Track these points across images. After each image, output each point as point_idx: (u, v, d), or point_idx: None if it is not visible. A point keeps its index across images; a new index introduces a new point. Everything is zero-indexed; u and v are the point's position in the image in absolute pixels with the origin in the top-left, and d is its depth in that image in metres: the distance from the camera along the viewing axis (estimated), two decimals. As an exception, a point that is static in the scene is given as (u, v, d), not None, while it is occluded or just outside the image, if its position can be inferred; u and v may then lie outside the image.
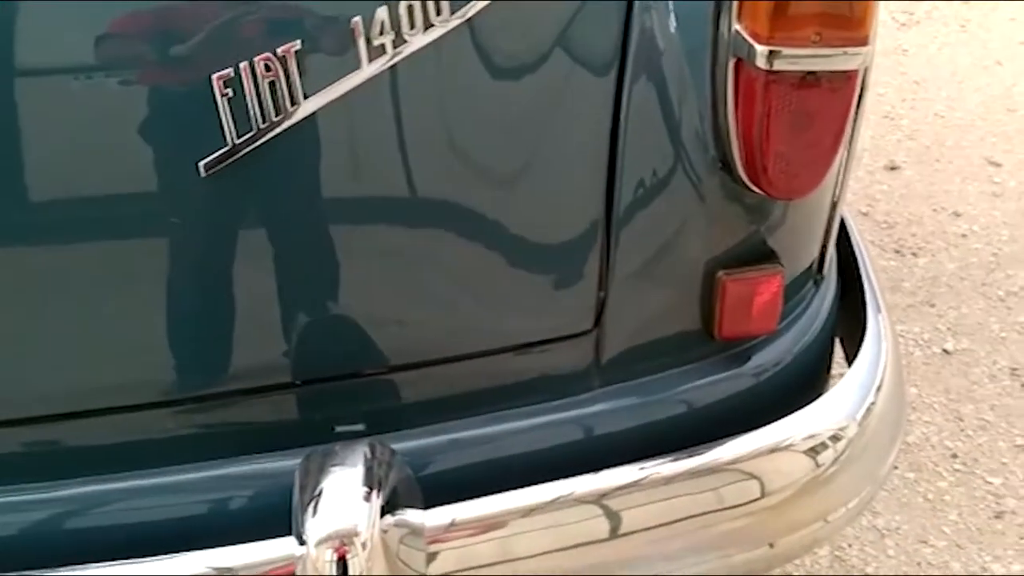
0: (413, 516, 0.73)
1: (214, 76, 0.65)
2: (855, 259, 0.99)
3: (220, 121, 0.66)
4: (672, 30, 0.71)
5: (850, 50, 0.67)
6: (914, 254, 2.03)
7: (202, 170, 0.67)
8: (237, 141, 0.67)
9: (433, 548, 0.74)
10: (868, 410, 0.88)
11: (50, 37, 0.64)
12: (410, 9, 0.67)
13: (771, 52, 0.66)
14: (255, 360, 0.73)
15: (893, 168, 2.29)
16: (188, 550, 0.71)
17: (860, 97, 0.81)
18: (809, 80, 0.67)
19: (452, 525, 0.75)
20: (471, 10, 0.68)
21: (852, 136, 0.82)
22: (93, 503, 0.75)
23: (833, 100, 0.69)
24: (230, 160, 0.67)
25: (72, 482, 0.75)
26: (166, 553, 0.72)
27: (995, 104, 2.49)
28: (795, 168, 0.71)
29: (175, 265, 0.70)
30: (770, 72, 0.67)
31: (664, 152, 0.74)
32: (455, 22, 0.68)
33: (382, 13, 0.67)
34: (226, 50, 0.64)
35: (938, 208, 2.14)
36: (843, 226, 1.05)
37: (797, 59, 0.66)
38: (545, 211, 0.75)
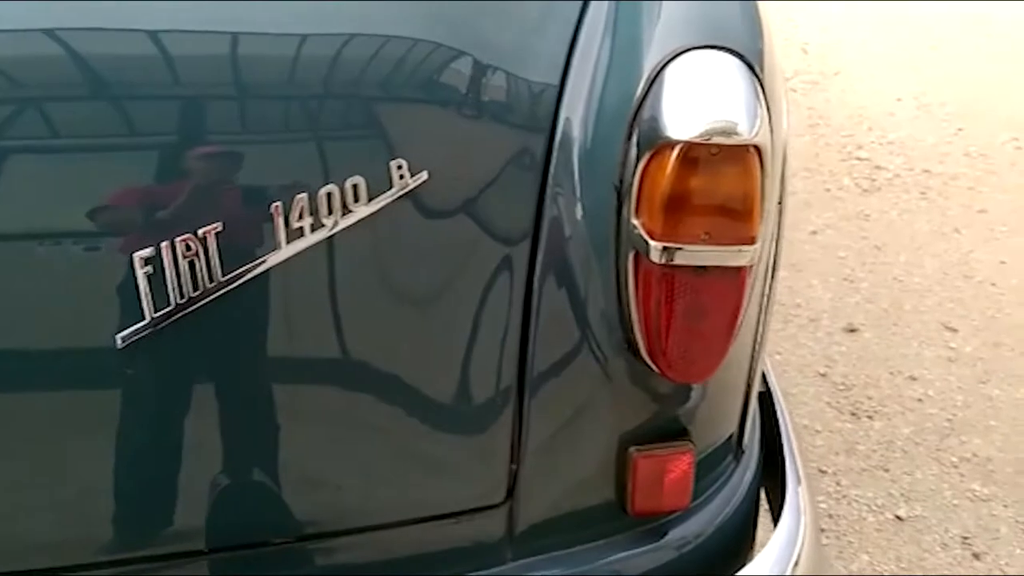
0: None
1: (135, 254, 0.68)
2: (779, 433, 1.02)
3: (139, 296, 0.68)
4: (579, 218, 0.75)
5: (738, 248, 0.71)
6: (870, 417, 2.05)
7: (119, 342, 0.70)
8: (155, 315, 0.70)
9: None
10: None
11: None
12: (329, 196, 0.71)
13: (664, 248, 0.70)
14: (164, 527, 0.74)
15: (852, 330, 2.34)
16: None
17: (768, 283, 0.85)
18: (700, 274, 0.71)
19: None
20: (389, 198, 0.72)
21: (760, 320, 0.86)
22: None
23: (724, 293, 0.72)
24: (147, 333, 0.70)
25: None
26: None
27: (952, 270, 2.55)
28: (692, 354, 0.74)
29: (89, 430, 0.72)
30: (663, 266, 0.70)
31: (573, 333, 0.77)
32: (372, 208, 0.72)
33: (302, 199, 0.71)
34: (148, 229, 0.68)
35: (895, 371, 2.18)
36: (770, 396, 1.07)
37: (688, 255, 0.70)
38: (459, 387, 0.78)
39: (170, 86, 0.69)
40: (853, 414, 2.06)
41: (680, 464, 0.82)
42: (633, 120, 0.72)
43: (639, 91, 0.72)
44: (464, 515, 0.80)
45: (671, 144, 0.70)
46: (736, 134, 0.69)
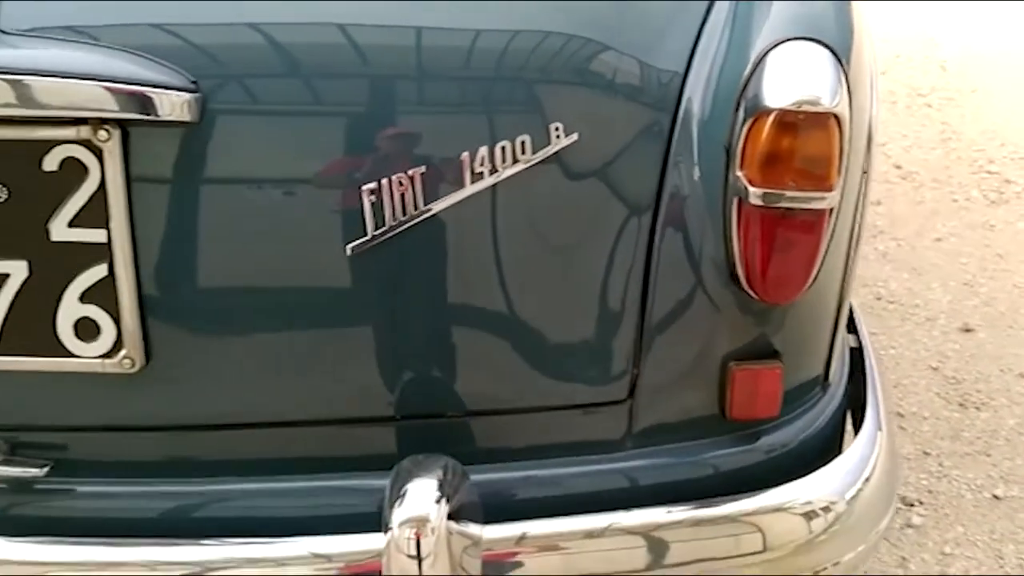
0: (474, 528, 0.96)
1: (363, 186, 0.93)
2: (864, 372, 1.20)
3: (361, 215, 0.93)
4: (696, 178, 0.96)
5: (818, 194, 0.91)
6: (977, 408, 2.17)
7: (349, 251, 0.95)
8: (375, 233, 0.94)
9: (488, 557, 0.97)
10: (856, 493, 1.08)
11: (249, 158, 0.93)
12: (503, 149, 0.94)
13: (762, 193, 0.91)
14: (374, 395, 0.99)
15: (967, 330, 2.45)
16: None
17: (854, 235, 1.05)
18: (788, 215, 0.91)
19: (506, 540, 0.98)
20: (545, 154, 0.95)
21: (846, 265, 1.06)
22: (242, 496, 1.01)
23: (807, 230, 0.92)
24: (368, 246, 0.94)
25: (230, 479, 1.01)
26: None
27: (1075, 280, 2.64)
28: (781, 279, 0.94)
29: (326, 318, 0.97)
30: (760, 207, 0.91)
31: (686, 265, 0.98)
32: (533, 161, 0.95)
33: (483, 151, 0.94)
34: (373, 169, 0.93)
35: (1005, 369, 2.29)
36: (861, 352, 1.26)
37: (779, 199, 0.90)
38: (596, 306, 1.00)
39: (395, 72, 0.94)
40: (961, 404, 2.19)
41: (771, 379, 1.02)
42: (741, 95, 0.93)
43: (747, 72, 0.93)
44: (595, 407, 1.02)
45: (768, 111, 0.90)
46: (819, 104, 0.89)
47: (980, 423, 2.12)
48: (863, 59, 1.00)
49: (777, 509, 1.05)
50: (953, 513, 1.88)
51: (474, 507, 0.97)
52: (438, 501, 0.89)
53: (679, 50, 0.99)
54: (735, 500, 1.03)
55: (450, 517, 0.92)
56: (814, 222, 0.92)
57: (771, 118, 0.90)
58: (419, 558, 0.89)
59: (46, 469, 1.00)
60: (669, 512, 1.03)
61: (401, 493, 0.89)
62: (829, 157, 0.90)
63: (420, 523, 0.88)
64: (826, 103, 0.89)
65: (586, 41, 0.98)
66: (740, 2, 1.00)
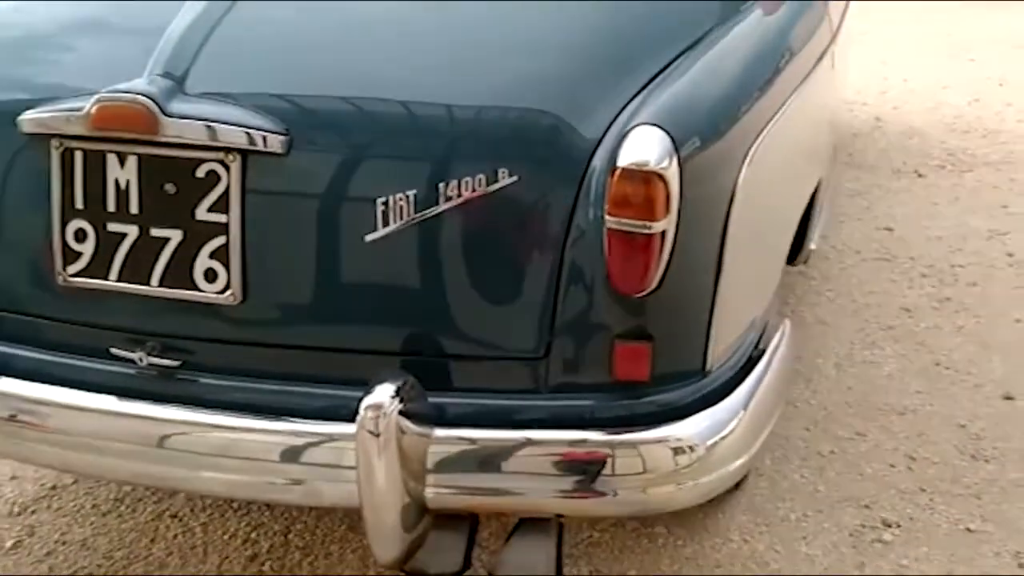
0: (423, 428, 1.48)
1: (377, 200, 1.50)
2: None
3: (375, 218, 1.50)
4: (590, 212, 1.46)
5: (647, 223, 1.39)
6: (986, 460, 2.45)
7: (366, 240, 1.51)
8: (383, 230, 1.50)
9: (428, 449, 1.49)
10: (714, 444, 1.52)
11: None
12: (466, 181, 1.48)
13: (615, 220, 1.40)
14: (378, 337, 1.54)
15: (1008, 398, 2.71)
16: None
17: (716, 258, 1.51)
18: (629, 236, 1.40)
19: (449, 438, 1.50)
20: (495, 187, 1.49)
21: (716, 276, 1.51)
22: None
23: (642, 245, 1.40)
24: (378, 237, 1.51)
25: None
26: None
27: None
28: (629, 277, 1.42)
29: (351, 284, 1.54)
30: (613, 230, 1.40)
31: (583, 271, 1.48)
32: (486, 191, 1.48)
33: (454, 182, 1.48)
34: (384, 189, 1.49)
35: (1032, 434, 2.54)
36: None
37: (623, 224, 1.40)
38: (524, 294, 1.51)
39: (403, 128, 1.51)
40: (972, 456, 2.48)
41: (642, 353, 1.49)
42: (612, 158, 1.43)
43: (618, 143, 1.43)
44: (523, 360, 1.53)
45: (616, 168, 1.40)
46: (647, 165, 1.38)
47: (983, 472, 2.41)
48: (731, 139, 1.48)
49: (656, 441, 1.51)
50: (924, 537, 2.20)
51: (427, 414, 1.50)
52: (392, 396, 1.43)
53: (601, 124, 1.50)
54: (625, 431, 1.51)
55: (406, 415, 1.45)
56: (647, 240, 1.40)
57: (618, 172, 1.39)
58: (376, 434, 1.42)
59: (179, 363, 1.62)
60: (577, 433, 1.51)
61: (370, 390, 1.43)
62: (654, 199, 1.38)
63: (376, 408, 1.41)
64: (651, 165, 1.38)
65: (540, 113, 1.51)
66: (651, 90, 1.50)
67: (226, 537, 2.20)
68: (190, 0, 1.63)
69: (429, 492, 1.51)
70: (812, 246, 2.62)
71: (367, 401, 1.41)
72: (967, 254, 3.65)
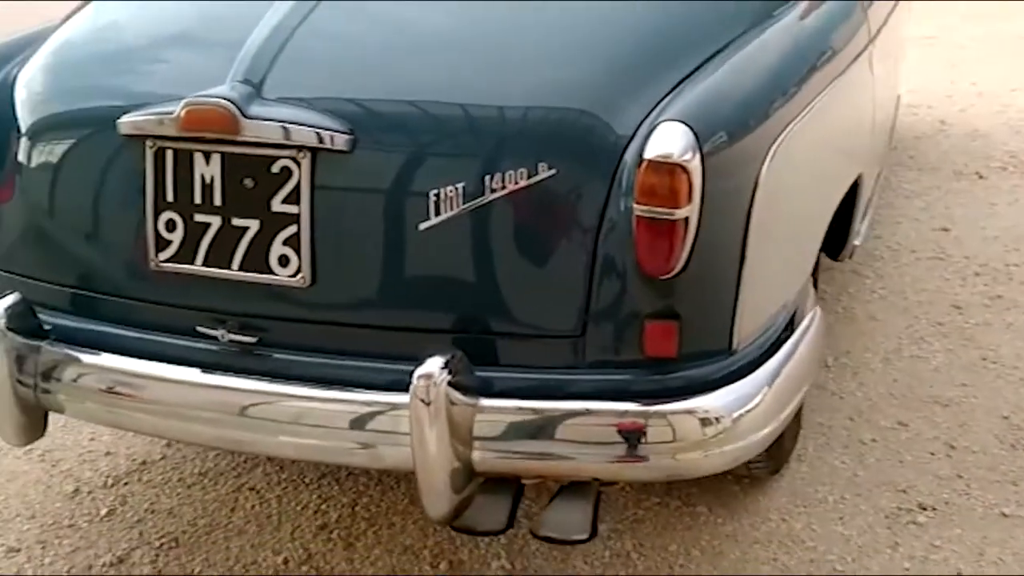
0: (469, 398, 1.64)
1: (430, 192, 1.67)
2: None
3: (428, 209, 1.67)
4: (621, 201, 1.61)
5: (670, 210, 1.53)
6: (1026, 450, 2.53)
7: (420, 228, 1.68)
8: (435, 219, 1.67)
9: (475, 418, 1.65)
10: (740, 416, 1.66)
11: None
12: (509, 175, 1.64)
13: (642, 208, 1.55)
14: (430, 317, 1.71)
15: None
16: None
17: (741, 244, 1.64)
18: (655, 222, 1.54)
19: (488, 407, 1.66)
20: (535, 179, 1.64)
21: (740, 262, 1.65)
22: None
23: (667, 230, 1.54)
24: (431, 225, 1.67)
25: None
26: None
27: None
28: (656, 260, 1.56)
29: (407, 269, 1.70)
30: (641, 216, 1.55)
31: (615, 256, 1.62)
32: (528, 183, 1.64)
33: (498, 176, 1.65)
34: (436, 182, 1.66)
35: (1070, 424, 2.61)
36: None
37: (650, 212, 1.54)
38: (563, 279, 1.66)
39: (453, 129, 1.68)
40: (1012, 445, 2.55)
41: (670, 331, 1.63)
42: (640, 152, 1.58)
43: (646, 137, 1.58)
44: (562, 337, 1.68)
45: (644, 160, 1.55)
46: (671, 158, 1.52)
47: (1021, 461, 2.48)
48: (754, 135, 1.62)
49: (685, 412, 1.65)
50: (958, 520, 2.29)
51: (474, 386, 1.66)
52: (442, 368, 1.59)
53: (633, 121, 1.65)
54: (657, 403, 1.65)
55: (455, 386, 1.62)
56: (671, 226, 1.54)
57: (645, 164, 1.54)
58: (427, 402, 1.59)
59: (255, 340, 1.81)
60: (613, 404, 1.66)
61: (423, 362, 1.60)
62: (677, 189, 1.52)
63: (427, 377, 1.58)
64: (675, 158, 1.53)
65: (578, 112, 1.67)
66: (680, 89, 1.65)
67: (299, 508, 2.39)
68: (275, 3, 1.81)
69: (476, 456, 1.66)
70: (856, 242, 2.72)
71: (419, 372, 1.58)
72: (1022, 254, 3.69)
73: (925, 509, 2.32)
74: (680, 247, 1.57)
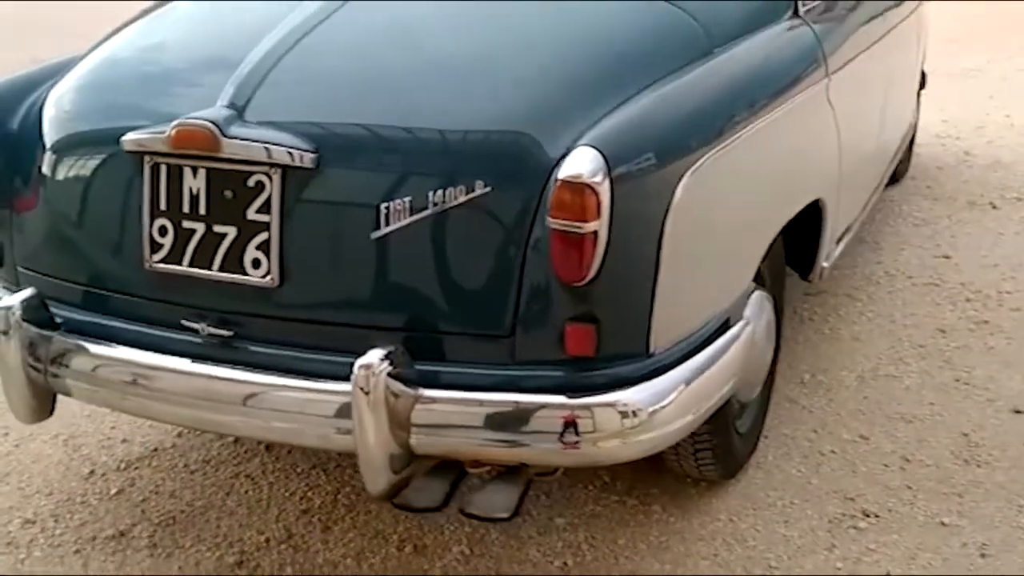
0: (409, 388, 1.85)
1: (380, 205, 1.89)
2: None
3: (379, 220, 1.89)
4: (547, 216, 1.81)
5: (579, 224, 1.72)
6: (978, 465, 2.64)
7: (372, 236, 1.90)
8: (385, 229, 1.89)
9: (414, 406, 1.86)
10: (656, 411, 1.84)
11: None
12: (449, 191, 1.85)
13: (555, 221, 1.75)
14: (377, 314, 1.92)
15: (1018, 412, 2.88)
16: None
17: (652, 255, 1.83)
18: (567, 234, 1.74)
19: (426, 397, 1.86)
20: (472, 195, 1.85)
21: (654, 276, 1.83)
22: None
23: (576, 242, 1.73)
24: (381, 235, 1.89)
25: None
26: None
27: None
28: (568, 269, 1.76)
29: (358, 273, 1.92)
30: (554, 230, 1.75)
31: (538, 265, 1.82)
32: (465, 199, 1.85)
33: (440, 192, 1.86)
34: (385, 196, 1.88)
35: (1025, 443, 2.71)
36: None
37: (561, 225, 1.73)
38: (494, 286, 1.86)
39: (401, 148, 1.90)
40: (966, 461, 2.66)
41: (587, 333, 1.82)
42: (552, 171, 1.78)
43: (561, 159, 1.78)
44: (493, 337, 1.88)
45: (558, 180, 1.74)
46: (580, 178, 1.72)
47: (972, 475, 2.60)
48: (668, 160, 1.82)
49: (606, 404, 1.83)
50: (897, 527, 2.42)
51: (414, 377, 1.87)
52: (382, 359, 1.80)
53: (563, 146, 1.85)
54: (580, 396, 1.84)
55: (396, 377, 1.82)
56: (580, 238, 1.74)
57: (558, 183, 1.74)
58: (366, 391, 1.79)
59: (231, 334, 2.04)
60: (539, 397, 1.85)
61: (363, 354, 1.81)
62: (585, 205, 1.72)
63: (366, 367, 1.79)
64: (584, 178, 1.72)
65: (515, 136, 1.88)
66: (606, 117, 1.85)
67: (287, 494, 2.62)
68: (270, 31, 2.07)
69: (414, 441, 1.86)
70: (825, 264, 2.87)
71: (360, 362, 1.79)
72: (1019, 282, 3.78)
73: (868, 516, 2.45)
74: (590, 257, 1.75)
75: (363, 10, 2.20)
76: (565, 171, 1.75)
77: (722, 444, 2.38)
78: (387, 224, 1.88)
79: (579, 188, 1.72)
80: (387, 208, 1.88)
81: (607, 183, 1.74)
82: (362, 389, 1.78)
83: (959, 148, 5.57)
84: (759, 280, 2.55)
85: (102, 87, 2.32)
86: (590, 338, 1.82)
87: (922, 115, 6.14)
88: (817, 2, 2.68)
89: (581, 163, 1.74)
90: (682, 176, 1.86)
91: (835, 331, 3.42)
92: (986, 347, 3.27)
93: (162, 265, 2.06)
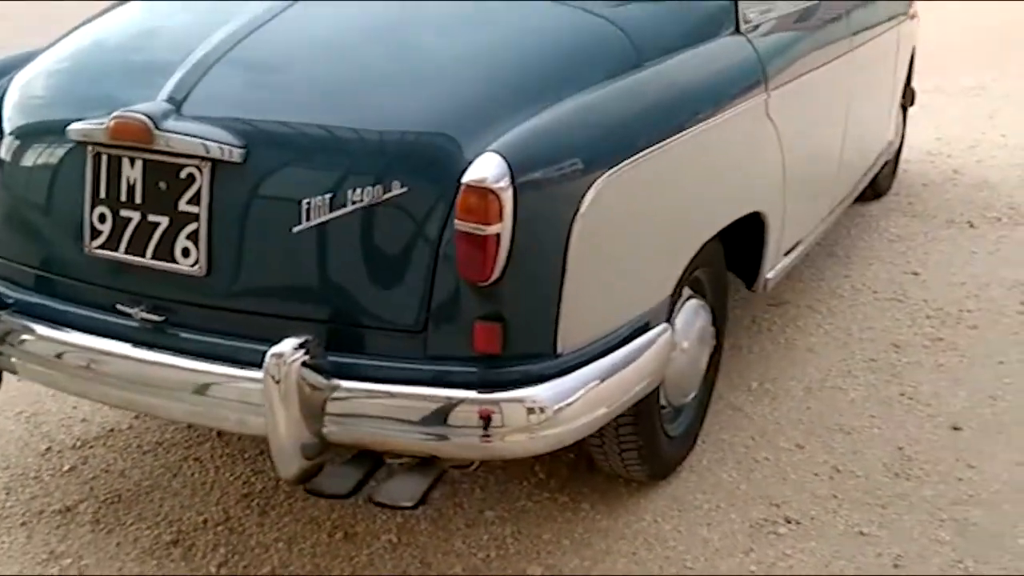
0: (321, 379, 1.92)
1: (302, 201, 1.96)
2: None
3: (300, 215, 1.96)
4: (452, 222, 1.88)
5: (482, 226, 1.79)
6: (907, 478, 2.69)
7: (294, 230, 1.98)
8: (307, 223, 1.96)
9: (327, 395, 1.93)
10: (562, 408, 1.90)
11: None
12: (367, 190, 1.93)
13: (461, 223, 1.82)
14: (295, 306, 2.00)
15: (956, 428, 2.92)
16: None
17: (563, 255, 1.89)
18: (471, 236, 1.80)
19: (340, 387, 1.93)
20: (390, 195, 1.92)
21: (561, 278, 1.90)
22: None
23: (481, 243, 1.80)
24: (303, 229, 1.97)
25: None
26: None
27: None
28: (472, 268, 1.82)
29: (280, 265, 2.00)
30: (460, 231, 1.82)
31: (448, 264, 1.89)
32: (384, 198, 1.92)
33: (359, 190, 1.93)
34: (307, 192, 1.95)
35: (962, 460, 2.76)
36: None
37: (467, 227, 1.80)
38: (409, 283, 1.93)
39: (325, 147, 1.97)
40: (896, 474, 2.71)
41: (493, 331, 1.89)
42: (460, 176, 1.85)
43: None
44: (407, 332, 1.95)
45: (463, 184, 1.81)
46: (484, 182, 1.78)
47: (899, 488, 2.64)
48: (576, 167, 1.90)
49: (514, 400, 1.90)
50: (816, 534, 2.47)
51: (328, 367, 1.94)
52: (295, 348, 1.87)
53: (479, 150, 1.91)
54: (488, 392, 1.90)
55: (310, 367, 1.90)
56: (483, 240, 1.81)
57: (463, 185, 1.81)
58: (276, 380, 1.87)
59: (162, 319, 2.12)
60: (449, 391, 1.92)
61: (277, 343, 1.89)
62: (487, 209, 1.79)
63: (277, 356, 1.86)
64: (487, 183, 1.79)
65: (433, 138, 1.95)
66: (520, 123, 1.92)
67: (231, 478, 2.70)
68: (220, 28, 2.17)
69: (327, 429, 1.94)
70: (769, 275, 2.92)
71: (272, 351, 1.87)
72: (981, 300, 3.81)
73: (790, 522, 2.50)
74: (493, 259, 1.82)
75: (308, 12, 2.28)
76: (469, 175, 1.81)
77: (648, 445, 2.43)
78: (308, 219, 1.95)
79: (482, 192, 1.79)
80: (308, 204, 1.95)
81: (510, 188, 1.80)
82: (273, 378, 1.85)
83: (948, 166, 5.59)
84: (697, 288, 2.61)
85: (58, 78, 2.41)
86: (497, 336, 1.88)
87: (916, 132, 6.17)
88: (763, 19, 2.73)
89: (485, 168, 1.81)
90: (592, 184, 1.93)
91: (791, 342, 3.46)
92: (937, 364, 3.30)
93: (100, 251, 2.15)
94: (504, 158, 1.81)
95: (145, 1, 2.61)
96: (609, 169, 1.96)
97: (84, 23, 2.59)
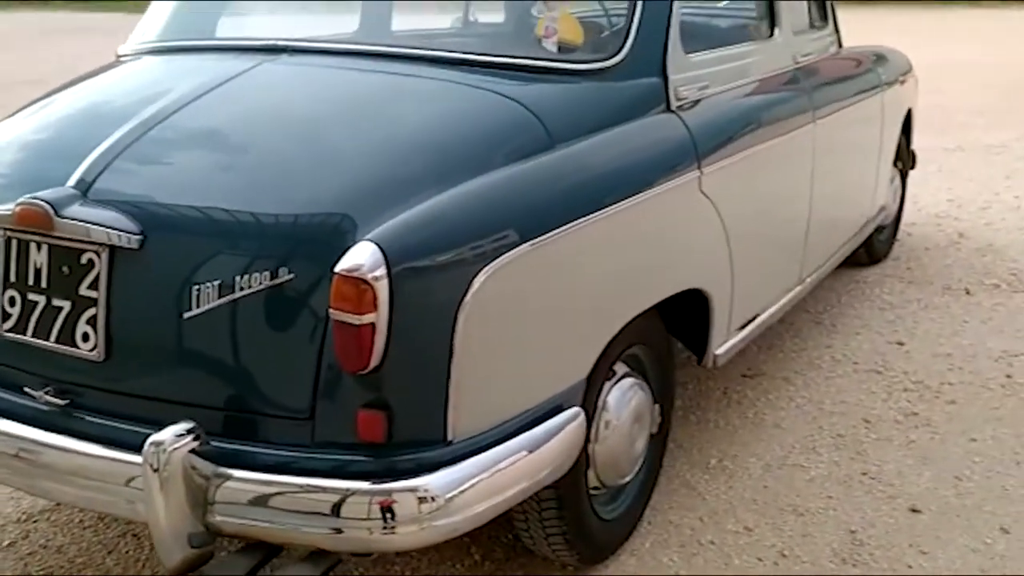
0: (207, 467, 1.90)
1: (192, 287, 1.96)
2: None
3: (192, 301, 1.96)
4: (320, 307, 1.86)
5: (355, 316, 1.77)
6: (854, 565, 2.58)
7: (185, 316, 1.97)
8: (197, 310, 1.96)
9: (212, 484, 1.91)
10: (452, 497, 1.86)
11: None
12: (256, 276, 1.92)
13: (334, 312, 1.80)
14: (186, 391, 1.99)
15: (914, 511, 2.81)
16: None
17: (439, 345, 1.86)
18: (344, 325, 1.78)
19: (224, 476, 1.91)
20: (278, 281, 1.91)
21: (447, 372, 1.86)
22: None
23: (354, 333, 1.78)
24: (192, 316, 1.96)
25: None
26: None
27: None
28: (349, 358, 1.80)
29: (171, 353, 2.00)
30: (335, 320, 1.79)
31: (329, 352, 1.87)
32: (273, 284, 1.91)
33: (247, 276, 1.93)
34: (197, 280, 1.95)
35: (914, 545, 2.65)
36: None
37: (341, 316, 1.78)
38: (293, 370, 1.91)
39: (217, 234, 1.98)
40: (843, 560, 2.60)
41: (377, 420, 1.85)
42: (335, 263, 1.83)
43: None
44: (295, 419, 1.92)
45: (337, 273, 1.79)
46: (356, 271, 1.76)
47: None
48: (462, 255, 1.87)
49: (405, 490, 1.86)
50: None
51: (213, 455, 1.92)
52: (176, 436, 1.86)
53: (362, 237, 1.90)
54: (377, 482, 1.87)
55: (197, 453, 1.88)
56: (357, 330, 1.78)
57: (336, 274, 1.79)
58: (155, 468, 1.85)
59: (65, 402, 2.12)
60: (333, 482, 1.89)
61: (158, 431, 1.87)
62: (360, 298, 1.76)
63: (157, 444, 1.85)
64: (360, 272, 1.77)
65: (319, 226, 1.94)
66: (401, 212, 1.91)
67: (164, 557, 2.67)
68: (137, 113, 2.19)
69: (212, 519, 1.91)
70: (718, 351, 2.85)
71: (151, 438, 1.85)
72: (965, 373, 3.69)
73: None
74: (369, 348, 1.79)
75: (225, 97, 2.30)
76: (342, 265, 1.80)
77: (574, 529, 2.37)
78: (198, 305, 1.95)
79: (354, 281, 1.77)
80: (199, 290, 1.95)
81: (385, 277, 1.78)
82: (151, 466, 1.83)
83: (955, 229, 5.48)
84: (636, 365, 2.56)
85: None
86: (380, 424, 1.85)
87: (927, 193, 6.06)
88: (700, 95, 2.70)
89: (359, 257, 1.79)
90: (480, 271, 1.89)
91: (759, 416, 3.38)
92: (907, 441, 3.20)
93: (10, 334, 2.16)
94: (379, 247, 1.79)
95: (95, 78, 2.66)
96: (498, 256, 1.93)
97: (33, 102, 2.64)
